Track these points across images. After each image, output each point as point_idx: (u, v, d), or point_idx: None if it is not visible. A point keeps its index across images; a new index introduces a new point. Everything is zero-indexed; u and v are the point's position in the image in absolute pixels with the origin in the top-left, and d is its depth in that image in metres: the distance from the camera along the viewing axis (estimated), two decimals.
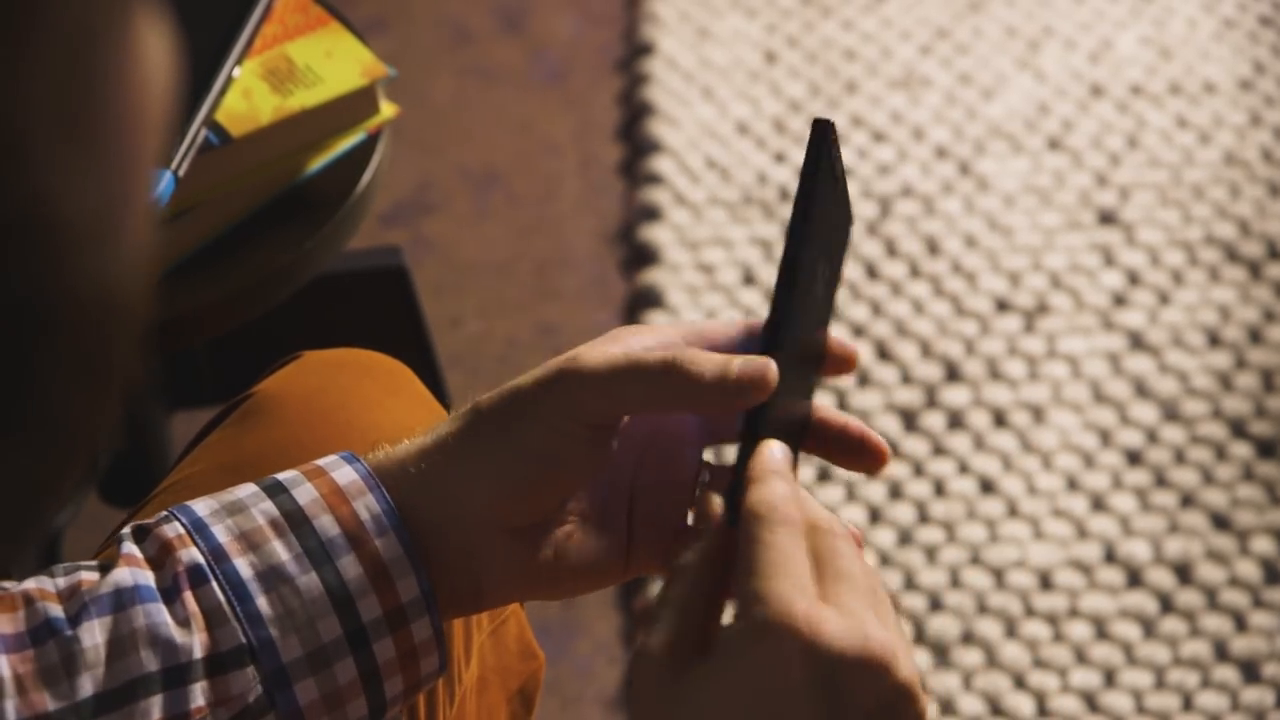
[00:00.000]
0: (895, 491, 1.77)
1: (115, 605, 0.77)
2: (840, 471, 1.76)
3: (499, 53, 2.19)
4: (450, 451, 0.80)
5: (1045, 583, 1.71)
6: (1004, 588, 1.71)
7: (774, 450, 0.74)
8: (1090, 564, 1.72)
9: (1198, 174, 2.03)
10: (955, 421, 1.82)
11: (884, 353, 1.87)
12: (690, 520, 0.80)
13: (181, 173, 1.20)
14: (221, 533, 0.78)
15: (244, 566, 0.78)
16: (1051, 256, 1.96)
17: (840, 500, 1.76)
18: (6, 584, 0.78)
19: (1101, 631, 1.68)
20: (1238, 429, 1.81)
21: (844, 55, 2.16)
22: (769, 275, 1.93)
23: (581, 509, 0.82)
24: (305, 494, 0.79)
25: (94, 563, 0.79)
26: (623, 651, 1.69)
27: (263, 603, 0.77)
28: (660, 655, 0.69)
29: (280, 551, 0.78)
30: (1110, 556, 1.73)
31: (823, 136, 0.78)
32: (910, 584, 1.71)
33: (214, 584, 0.77)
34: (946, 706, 1.64)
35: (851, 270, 1.94)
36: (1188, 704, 1.64)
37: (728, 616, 0.71)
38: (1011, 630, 1.68)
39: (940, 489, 1.77)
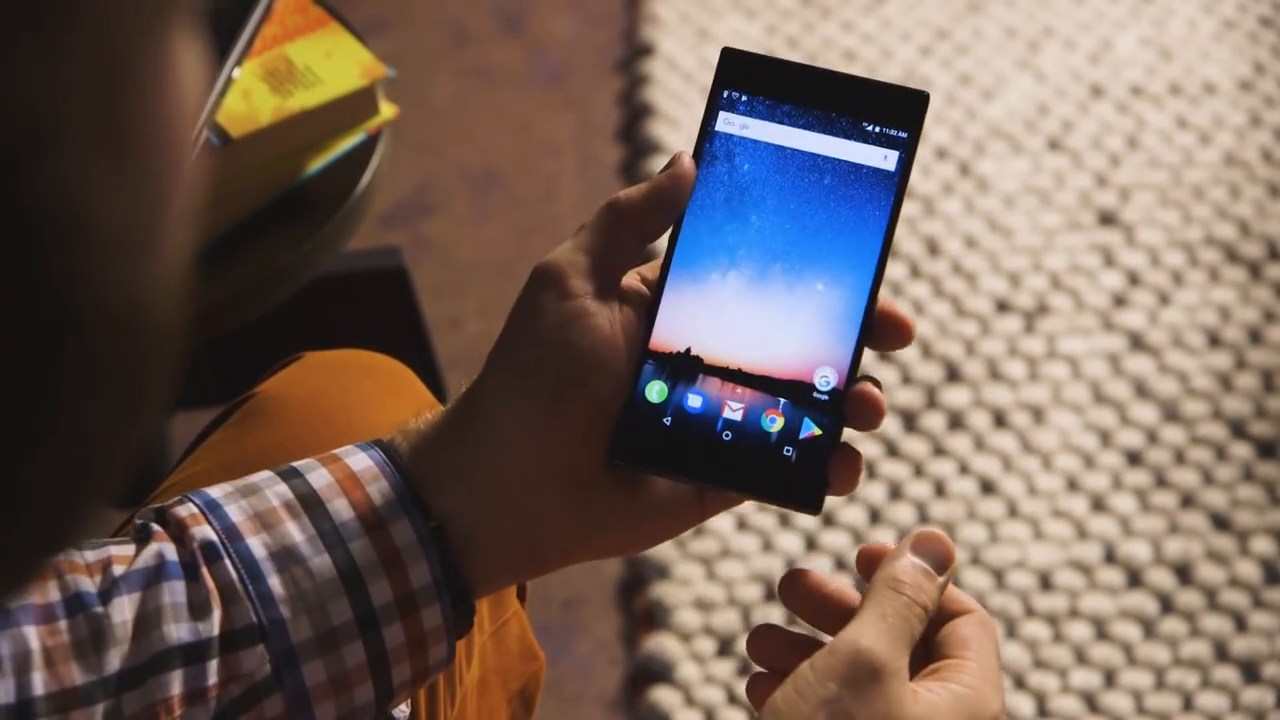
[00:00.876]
0: (896, 492, 1.77)
1: (145, 582, 0.77)
2: None
3: (499, 53, 2.19)
4: (473, 412, 0.80)
5: (1045, 583, 1.71)
6: (1004, 588, 1.70)
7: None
8: (1090, 564, 1.72)
9: (1198, 175, 2.03)
10: (955, 422, 1.82)
11: (884, 353, 1.87)
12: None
13: None
14: (235, 512, 0.79)
15: (257, 546, 0.78)
16: (1051, 257, 1.96)
17: (841, 500, 1.76)
18: None
19: (1101, 632, 1.68)
20: (1238, 429, 1.81)
21: (844, 56, 2.16)
22: None
23: None
24: (320, 478, 0.79)
25: (124, 539, 0.79)
26: (623, 651, 1.69)
27: (275, 582, 0.78)
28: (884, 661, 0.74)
29: (294, 533, 0.78)
30: (1110, 557, 1.72)
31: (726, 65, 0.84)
32: None
33: (226, 561, 0.78)
34: None
35: None
36: (1188, 704, 1.64)
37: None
38: (1012, 631, 1.68)
39: (940, 489, 1.77)
